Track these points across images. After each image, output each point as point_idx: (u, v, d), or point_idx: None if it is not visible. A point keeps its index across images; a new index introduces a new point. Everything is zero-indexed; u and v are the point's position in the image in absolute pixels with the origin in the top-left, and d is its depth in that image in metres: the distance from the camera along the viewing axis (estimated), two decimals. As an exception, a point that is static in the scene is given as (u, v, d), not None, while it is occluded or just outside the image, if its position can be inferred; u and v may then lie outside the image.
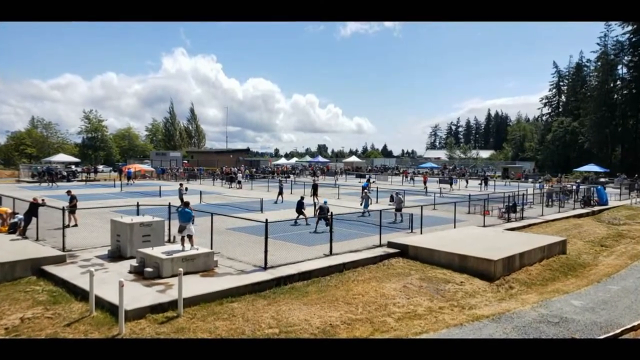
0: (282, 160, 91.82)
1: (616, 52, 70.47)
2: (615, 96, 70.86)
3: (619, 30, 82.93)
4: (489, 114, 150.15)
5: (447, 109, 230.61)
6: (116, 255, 13.94)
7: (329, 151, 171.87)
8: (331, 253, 14.58)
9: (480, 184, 44.83)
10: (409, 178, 54.72)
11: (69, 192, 20.56)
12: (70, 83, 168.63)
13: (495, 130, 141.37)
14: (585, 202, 30.26)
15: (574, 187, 33.68)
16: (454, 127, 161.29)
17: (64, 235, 14.61)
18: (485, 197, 25.36)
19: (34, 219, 16.76)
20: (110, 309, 9.63)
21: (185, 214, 13.16)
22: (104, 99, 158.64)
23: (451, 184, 44.35)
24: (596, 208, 29.27)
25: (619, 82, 71.54)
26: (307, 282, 12.37)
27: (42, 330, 8.96)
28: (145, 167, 57.64)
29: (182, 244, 12.94)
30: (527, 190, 30.84)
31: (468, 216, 23.78)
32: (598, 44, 72.46)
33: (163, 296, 10.36)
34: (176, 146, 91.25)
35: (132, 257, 13.25)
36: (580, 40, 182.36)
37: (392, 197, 25.20)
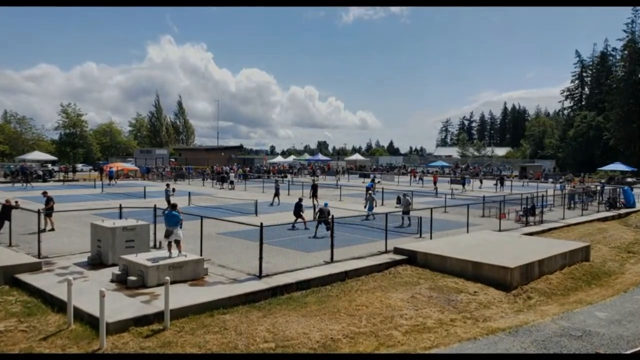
0: (279, 159, 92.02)
1: (644, 39, 70.58)
2: (644, 88, 70.89)
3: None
4: (505, 108, 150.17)
5: (459, 102, 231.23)
6: (97, 262, 13.94)
7: (330, 148, 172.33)
8: (332, 260, 14.58)
9: (496, 184, 44.92)
10: (417, 178, 54.77)
11: (45, 193, 20.57)
12: (46, 74, 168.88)
13: (512, 126, 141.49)
14: (611, 205, 30.28)
15: (598, 188, 33.72)
16: (466, 122, 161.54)
17: (39, 241, 14.62)
18: (501, 198, 25.38)
19: (6, 223, 16.78)
20: (90, 322, 9.62)
21: (172, 218, 13.17)
22: (83, 91, 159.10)
23: (464, 184, 44.37)
24: (622, 211, 29.31)
25: (647, 73, 71.59)
26: (306, 291, 12.38)
27: (15, 345, 8.95)
28: (129, 165, 57.73)
29: (169, 250, 12.94)
30: (546, 191, 30.86)
31: (482, 220, 23.80)
32: (625, 30, 72.74)
33: (148, 307, 10.36)
34: (162, 143, 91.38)
35: (114, 265, 13.24)
36: (605, 27, 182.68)
37: (399, 198, 25.26)
